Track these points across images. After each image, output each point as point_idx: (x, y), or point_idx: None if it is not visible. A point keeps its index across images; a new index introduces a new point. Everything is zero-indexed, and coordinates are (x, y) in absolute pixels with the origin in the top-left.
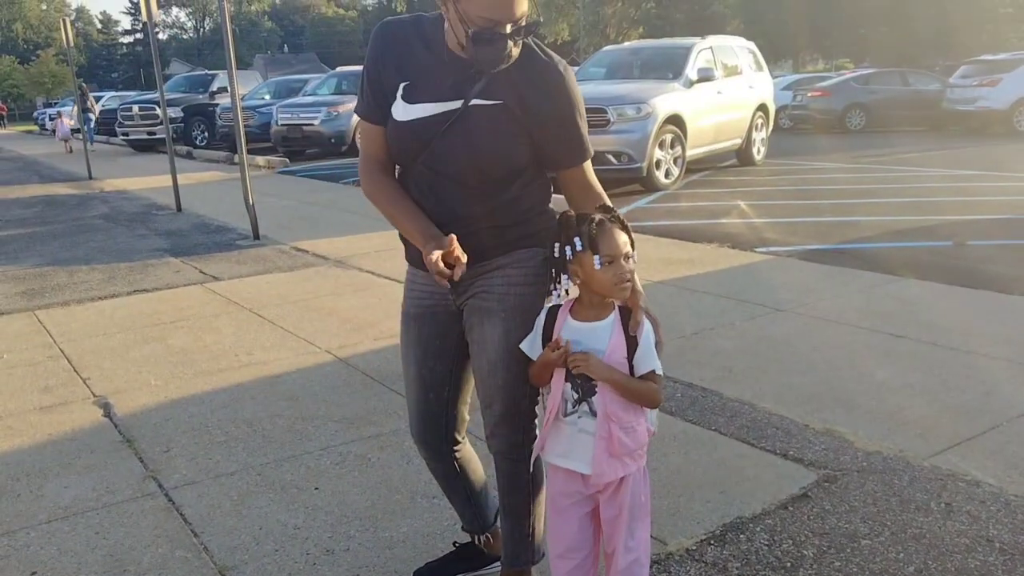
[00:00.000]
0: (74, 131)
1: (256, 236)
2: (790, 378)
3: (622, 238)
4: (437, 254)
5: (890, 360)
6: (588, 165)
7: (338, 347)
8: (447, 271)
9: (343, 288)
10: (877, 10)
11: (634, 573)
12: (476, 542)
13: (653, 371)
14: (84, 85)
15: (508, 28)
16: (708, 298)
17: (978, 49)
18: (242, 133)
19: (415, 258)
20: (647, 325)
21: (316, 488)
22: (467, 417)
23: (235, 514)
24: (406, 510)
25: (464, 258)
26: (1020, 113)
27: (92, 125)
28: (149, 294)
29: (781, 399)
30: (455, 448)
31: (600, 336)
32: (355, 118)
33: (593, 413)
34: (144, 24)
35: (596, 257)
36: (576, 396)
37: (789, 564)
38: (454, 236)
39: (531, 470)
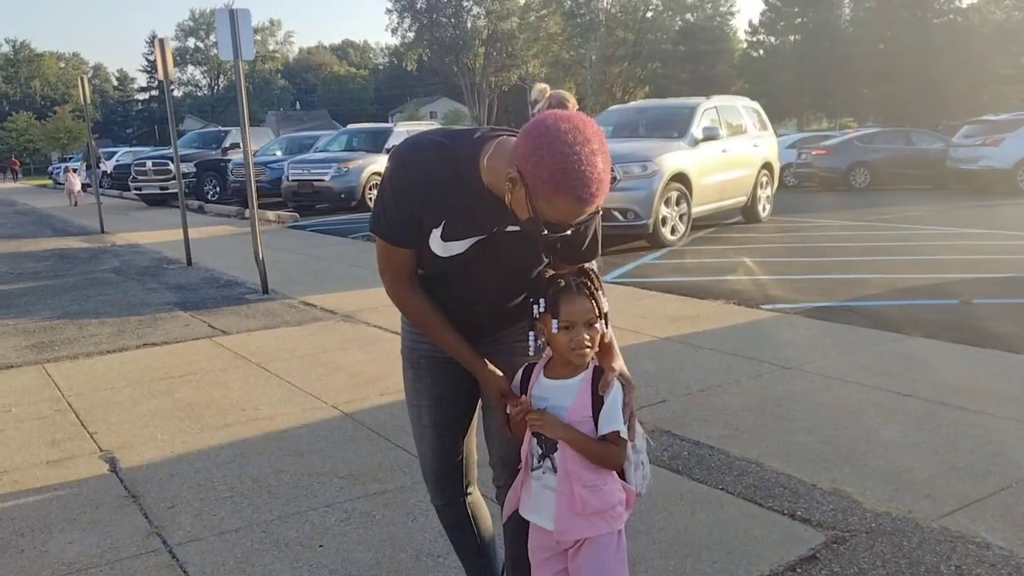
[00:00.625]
0: (85, 186)
1: (265, 290)
2: (797, 436)
3: (584, 305)
4: (512, 409)
5: (897, 419)
6: None
7: (344, 402)
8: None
9: (350, 343)
10: (879, 70)
11: None
12: None
13: (616, 432)
14: (93, 143)
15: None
16: (714, 355)
17: (980, 109)
18: (254, 188)
19: None
20: (616, 386)
21: (320, 546)
22: (475, 468)
23: (239, 572)
24: (411, 569)
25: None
26: (1022, 172)
27: (100, 177)
28: (158, 348)
29: (788, 458)
30: (468, 494)
31: (567, 394)
32: (364, 174)
33: (555, 469)
34: (160, 82)
35: (554, 321)
36: (540, 451)
37: None
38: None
39: None
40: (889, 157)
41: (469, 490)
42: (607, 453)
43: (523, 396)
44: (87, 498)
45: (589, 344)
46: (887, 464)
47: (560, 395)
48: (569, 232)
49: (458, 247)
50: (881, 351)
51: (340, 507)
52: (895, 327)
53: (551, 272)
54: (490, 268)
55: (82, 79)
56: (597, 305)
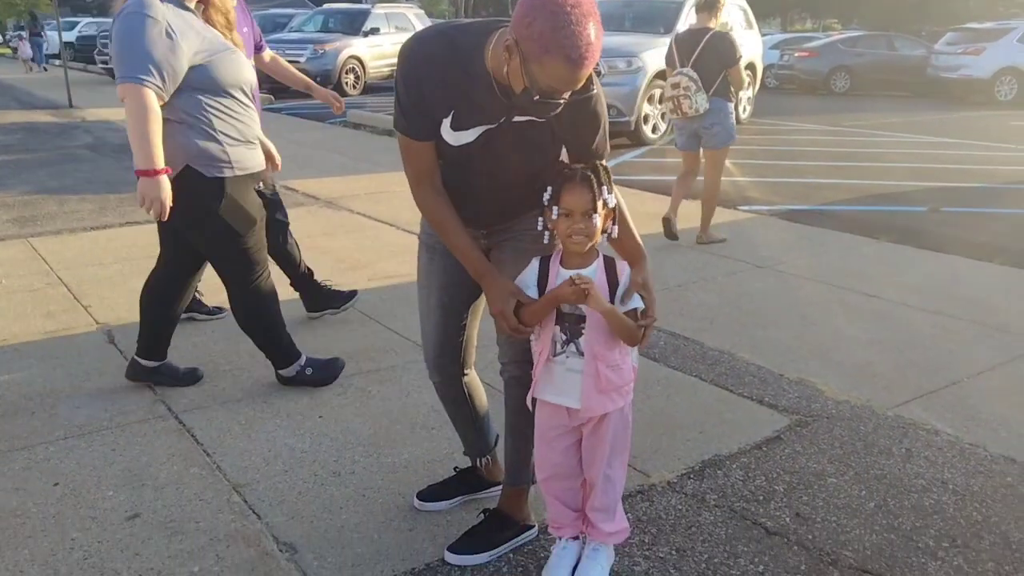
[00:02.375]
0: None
1: None
2: (767, 331)
3: (583, 196)
4: (512, 317)
5: (862, 317)
6: None
7: (334, 286)
8: (524, 330)
9: (335, 229)
10: None
11: (608, 493)
12: (477, 465)
13: (635, 310)
14: (35, 11)
15: (567, 94)
16: (692, 253)
17: (965, 16)
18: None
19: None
20: (626, 271)
21: (320, 416)
22: (475, 346)
23: (244, 437)
24: (407, 439)
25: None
26: (1002, 83)
27: (43, 51)
28: (142, 226)
29: (759, 350)
30: (465, 374)
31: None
32: (341, 57)
33: (580, 353)
34: None
35: (555, 208)
36: (564, 338)
37: (761, 497)
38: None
39: None
40: (871, 62)
41: (466, 371)
42: (633, 328)
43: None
44: (90, 367)
45: (584, 233)
46: (850, 358)
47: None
48: (562, 101)
49: (468, 136)
50: (851, 254)
51: (337, 382)
52: (866, 231)
53: (559, 165)
54: (501, 160)
55: None
56: (596, 198)
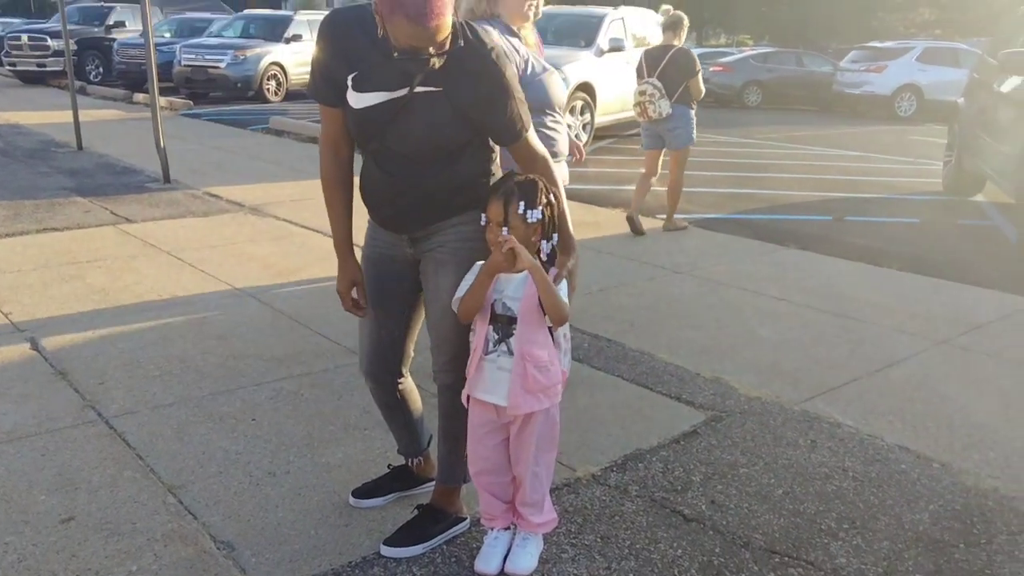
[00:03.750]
0: None
1: (167, 179)
2: (684, 332)
3: (495, 208)
4: (348, 303)
5: (772, 319)
6: (529, 137)
7: (261, 291)
8: (357, 311)
9: (260, 235)
10: None
11: (535, 489)
12: (409, 464)
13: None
14: None
15: (431, 50)
16: (612, 259)
17: (868, 35)
18: (155, 72)
19: (380, 221)
20: (554, 271)
21: (253, 419)
22: (412, 354)
23: (177, 440)
24: (340, 439)
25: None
26: (901, 99)
27: None
28: (60, 233)
29: (676, 351)
30: (399, 381)
31: (519, 285)
32: (262, 63)
33: (511, 352)
34: None
35: (483, 215)
36: (496, 337)
37: (680, 487)
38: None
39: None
40: (781, 77)
41: (401, 378)
42: (562, 304)
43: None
44: (13, 374)
45: (493, 242)
46: (761, 357)
47: (512, 285)
48: (429, 56)
49: (369, 99)
50: (762, 260)
51: (268, 386)
52: (776, 239)
53: (518, 173)
54: (408, 136)
55: None
56: (506, 212)
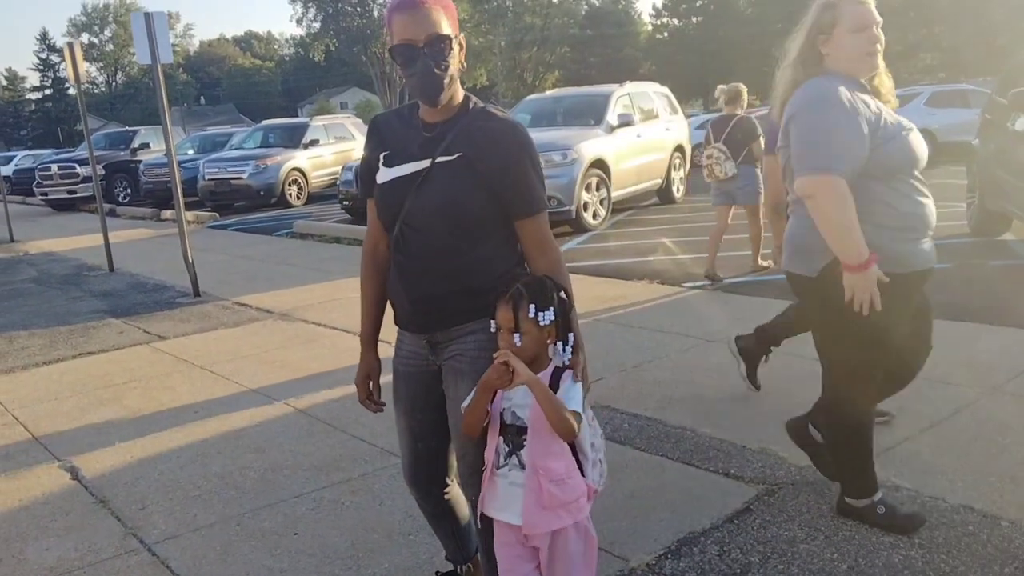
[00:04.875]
0: None
1: (197, 293)
2: (725, 404)
3: (504, 314)
4: (362, 395)
5: (813, 382)
6: (543, 221)
7: (295, 398)
8: (371, 405)
9: (291, 341)
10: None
11: None
12: (458, 571)
13: (574, 411)
14: None
15: (422, 43)
16: (644, 332)
17: None
18: (179, 188)
19: (402, 321)
20: (571, 378)
21: (296, 533)
22: (455, 463)
23: (221, 563)
24: (385, 548)
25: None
26: None
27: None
28: (95, 356)
29: (719, 423)
30: (444, 491)
31: (527, 389)
32: (283, 170)
33: (522, 466)
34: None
35: (492, 322)
36: (507, 449)
37: (739, 570)
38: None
39: None
40: None
41: (445, 489)
42: (567, 419)
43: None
44: (55, 506)
45: (507, 348)
46: None
47: (520, 393)
48: (422, 50)
49: (395, 172)
50: None
51: (309, 497)
52: None
53: (524, 273)
54: (428, 203)
55: None
56: (516, 318)
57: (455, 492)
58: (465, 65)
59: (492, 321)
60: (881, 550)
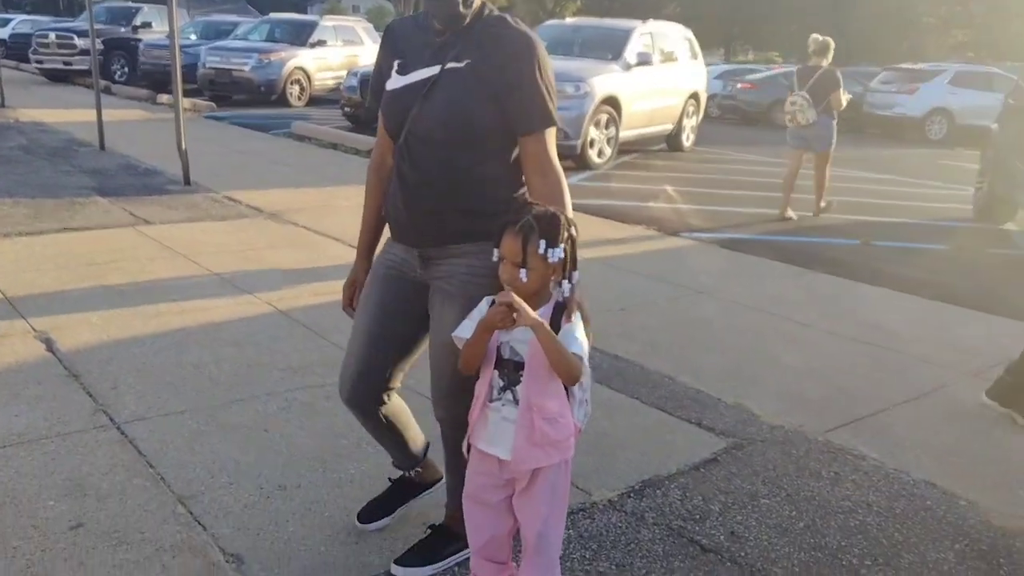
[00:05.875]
0: None
1: (187, 182)
2: (707, 356)
3: (512, 247)
4: (345, 301)
5: (796, 345)
6: (550, 141)
7: (278, 299)
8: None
9: (279, 241)
10: (811, 9)
11: (543, 552)
12: (409, 475)
13: (575, 353)
14: None
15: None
16: (635, 277)
17: (900, 56)
18: (179, 74)
19: (397, 232)
20: (576, 316)
21: (265, 430)
22: (399, 384)
23: (188, 450)
24: (352, 454)
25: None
26: (932, 122)
27: None
28: (79, 232)
29: (698, 374)
30: (381, 407)
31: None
32: (286, 68)
33: (516, 401)
34: None
35: (496, 250)
36: (502, 384)
37: (698, 516)
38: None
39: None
40: None
41: (383, 405)
42: (571, 362)
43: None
44: (27, 375)
45: (509, 283)
46: (784, 385)
47: (524, 328)
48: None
49: (406, 79)
50: (787, 283)
51: (281, 396)
52: (801, 262)
53: (536, 203)
54: (433, 109)
55: None
56: (524, 252)
57: (394, 404)
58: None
59: (495, 249)
60: (839, 513)
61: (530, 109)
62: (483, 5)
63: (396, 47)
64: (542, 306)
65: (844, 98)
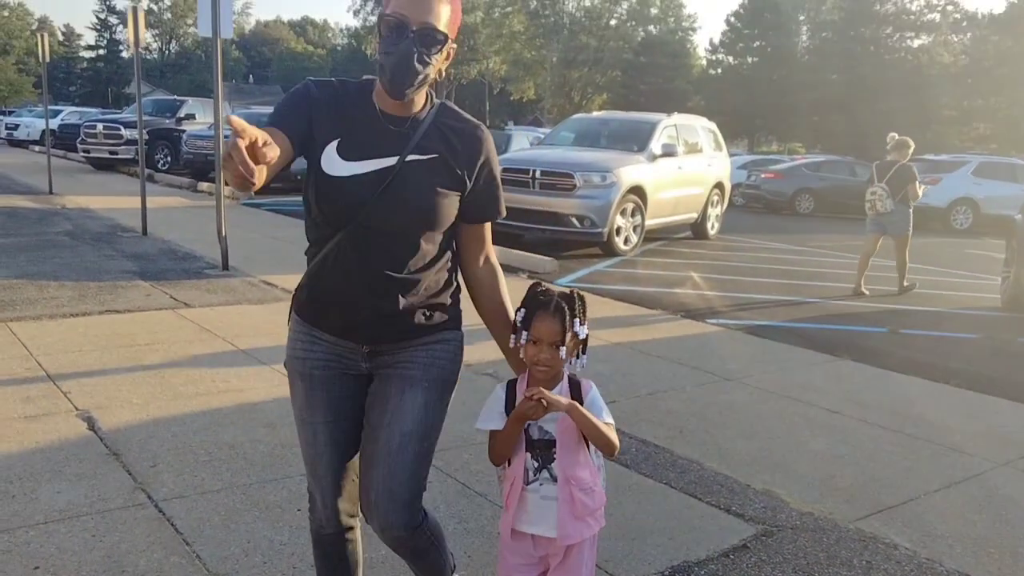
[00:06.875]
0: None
1: (225, 267)
2: (734, 442)
3: (553, 327)
4: (242, 143)
5: (825, 432)
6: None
7: None
8: (250, 167)
9: None
10: (830, 100)
11: None
12: None
13: (608, 423)
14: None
15: (414, 26)
16: (662, 363)
17: (922, 148)
18: (221, 163)
19: (340, 329)
20: (592, 388)
21: (298, 510)
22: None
23: (223, 528)
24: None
25: (269, 156)
26: (957, 212)
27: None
28: (121, 315)
29: (726, 460)
30: (353, 524)
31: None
32: None
33: (554, 479)
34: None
35: (524, 332)
36: (536, 464)
37: None
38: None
39: (426, 520)
40: (833, 186)
41: (355, 521)
42: (609, 433)
43: (532, 391)
44: (69, 453)
45: (548, 364)
46: (813, 471)
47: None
48: (411, 32)
49: (359, 167)
50: (815, 370)
51: None
52: (828, 349)
53: (541, 286)
54: (402, 204)
55: (43, 36)
56: (565, 331)
57: (358, 531)
58: (443, 76)
59: (524, 333)
60: None
61: (497, 199)
62: (429, 94)
63: (328, 113)
64: (557, 385)
65: (920, 190)
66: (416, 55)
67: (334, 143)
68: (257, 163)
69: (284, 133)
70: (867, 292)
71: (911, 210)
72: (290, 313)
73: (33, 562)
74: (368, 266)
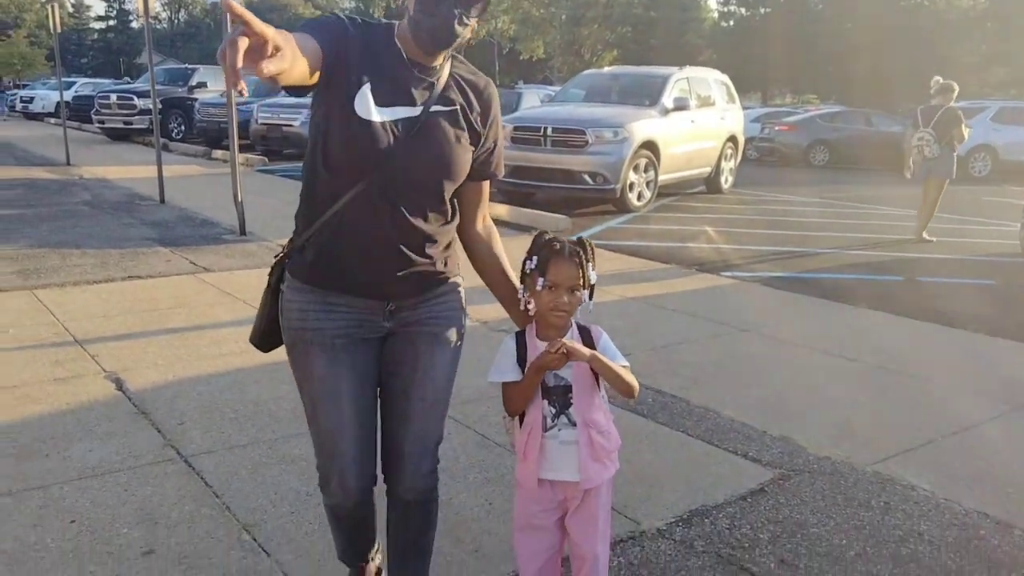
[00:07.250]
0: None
1: (243, 232)
2: (751, 390)
3: (571, 271)
4: (242, 44)
5: (842, 379)
6: None
7: None
8: (237, 73)
9: None
10: (844, 50)
11: (598, 572)
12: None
13: (624, 366)
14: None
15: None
16: (677, 315)
17: None
18: (235, 131)
19: (329, 275)
20: (603, 335)
21: None
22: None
23: (251, 480)
24: None
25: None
26: (975, 159)
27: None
28: (143, 280)
29: (742, 408)
30: (370, 493)
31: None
32: None
33: (572, 423)
34: (118, 11)
35: (540, 278)
36: (554, 411)
37: (747, 544)
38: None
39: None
40: (848, 137)
41: (371, 489)
42: (628, 376)
43: (554, 342)
44: (100, 412)
45: (566, 308)
46: (831, 417)
47: None
48: (453, 16)
49: (389, 114)
50: (831, 320)
51: None
52: (844, 298)
53: (547, 234)
54: (424, 154)
55: (53, 8)
56: (584, 274)
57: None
58: (474, 38)
59: (541, 280)
60: (890, 542)
61: (499, 156)
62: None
63: (356, 55)
64: (566, 332)
65: (966, 132)
66: (456, 20)
67: (367, 86)
68: (256, 66)
69: (317, 43)
70: (932, 239)
71: (955, 154)
72: (279, 278)
73: (69, 516)
74: (395, 217)
